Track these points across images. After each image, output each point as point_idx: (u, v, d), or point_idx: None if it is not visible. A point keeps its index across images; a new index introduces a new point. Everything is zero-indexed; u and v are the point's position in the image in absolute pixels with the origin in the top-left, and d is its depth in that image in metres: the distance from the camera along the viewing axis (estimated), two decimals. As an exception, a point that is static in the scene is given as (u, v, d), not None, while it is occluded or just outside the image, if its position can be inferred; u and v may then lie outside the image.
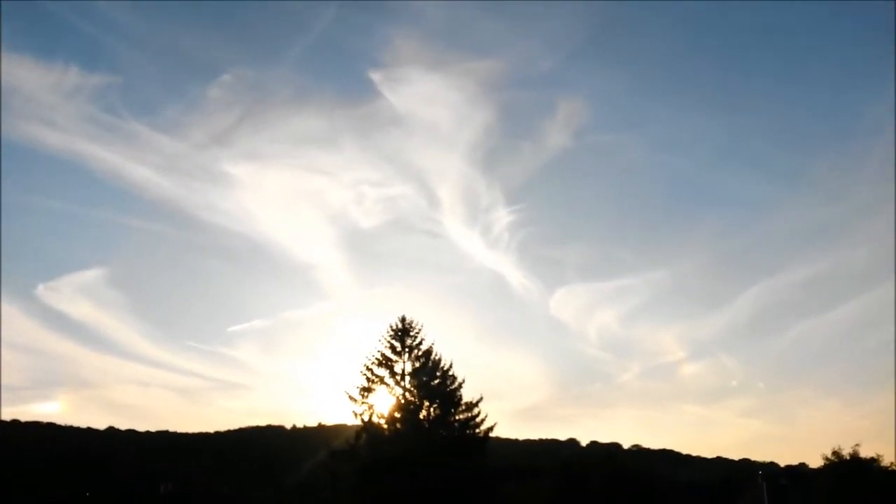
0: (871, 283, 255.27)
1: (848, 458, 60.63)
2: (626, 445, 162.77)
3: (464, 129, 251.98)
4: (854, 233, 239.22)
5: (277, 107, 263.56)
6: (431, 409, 42.68)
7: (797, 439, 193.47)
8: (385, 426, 42.49)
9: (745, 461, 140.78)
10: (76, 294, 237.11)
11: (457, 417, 42.70)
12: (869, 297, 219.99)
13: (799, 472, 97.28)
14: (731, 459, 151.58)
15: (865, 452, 61.03)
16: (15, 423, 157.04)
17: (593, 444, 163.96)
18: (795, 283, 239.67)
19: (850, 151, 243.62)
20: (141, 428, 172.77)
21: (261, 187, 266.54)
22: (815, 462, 74.81)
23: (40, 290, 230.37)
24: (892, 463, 61.80)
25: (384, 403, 42.72)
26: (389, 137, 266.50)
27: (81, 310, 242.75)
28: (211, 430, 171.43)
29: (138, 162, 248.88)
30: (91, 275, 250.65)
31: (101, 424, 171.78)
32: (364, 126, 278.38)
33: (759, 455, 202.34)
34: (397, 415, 42.30)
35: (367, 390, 42.81)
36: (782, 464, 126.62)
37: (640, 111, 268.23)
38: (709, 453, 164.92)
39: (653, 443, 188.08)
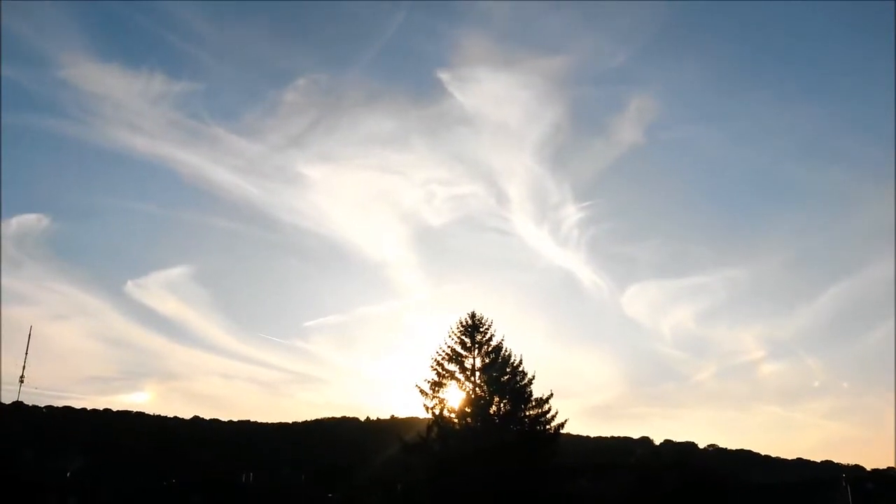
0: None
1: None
2: (701, 445, 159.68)
3: (532, 126, 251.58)
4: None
5: (350, 109, 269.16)
6: (501, 405, 42.96)
7: (885, 442, 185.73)
8: (456, 420, 43.02)
9: (828, 463, 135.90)
10: (163, 290, 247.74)
11: (527, 413, 42.83)
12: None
13: (888, 477, 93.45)
14: (812, 461, 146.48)
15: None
16: (107, 411, 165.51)
17: (667, 442, 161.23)
18: (880, 280, 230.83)
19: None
20: (224, 418, 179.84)
21: (335, 187, 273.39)
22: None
23: (129, 286, 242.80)
24: None
25: (455, 398, 43.30)
26: (458, 136, 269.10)
27: (168, 305, 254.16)
28: (289, 420, 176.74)
29: (220, 164, 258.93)
30: (177, 272, 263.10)
31: (186, 414, 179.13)
32: (434, 126, 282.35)
33: (844, 458, 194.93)
34: (468, 409, 42.74)
35: (437, 385, 43.42)
36: (868, 467, 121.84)
37: (713, 105, 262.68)
38: (789, 455, 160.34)
39: (730, 443, 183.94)
